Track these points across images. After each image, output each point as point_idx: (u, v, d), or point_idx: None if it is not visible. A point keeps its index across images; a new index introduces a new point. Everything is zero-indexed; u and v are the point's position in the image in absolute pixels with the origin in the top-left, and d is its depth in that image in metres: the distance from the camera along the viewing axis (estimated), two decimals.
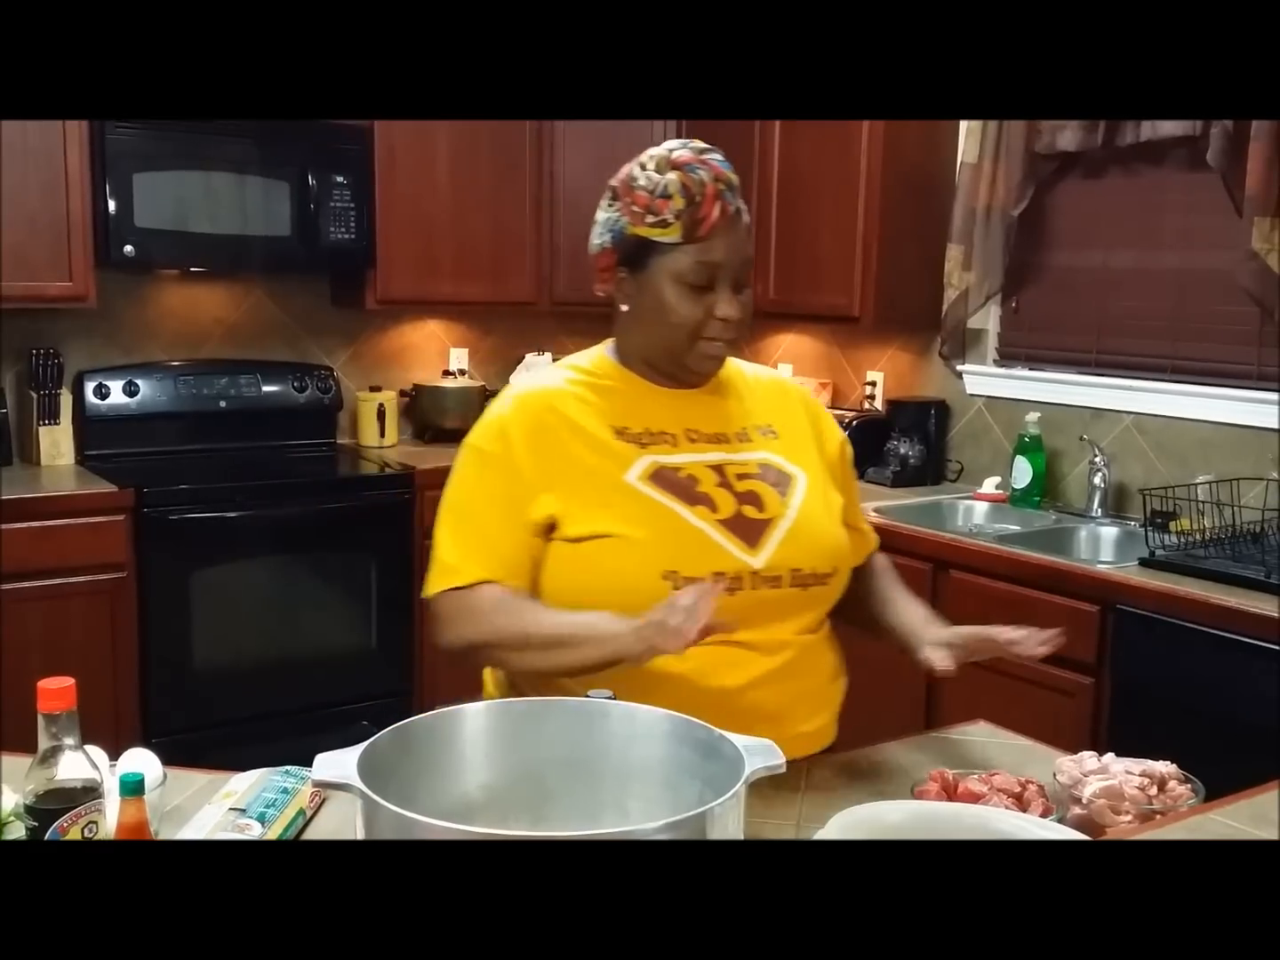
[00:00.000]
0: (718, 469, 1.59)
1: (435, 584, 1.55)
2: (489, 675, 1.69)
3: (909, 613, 1.65)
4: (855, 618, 1.72)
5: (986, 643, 1.51)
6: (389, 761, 1.08)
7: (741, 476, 1.60)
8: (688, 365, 1.59)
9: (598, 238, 1.59)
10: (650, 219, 1.52)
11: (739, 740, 1.10)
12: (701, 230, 1.51)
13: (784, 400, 1.72)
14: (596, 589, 1.51)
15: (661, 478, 1.56)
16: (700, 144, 1.56)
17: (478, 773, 1.19)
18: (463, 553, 1.54)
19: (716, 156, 1.55)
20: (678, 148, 1.54)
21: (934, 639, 1.54)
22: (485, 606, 1.51)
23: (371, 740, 1.07)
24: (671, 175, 1.51)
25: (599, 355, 1.66)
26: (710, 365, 1.60)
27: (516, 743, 1.20)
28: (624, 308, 1.60)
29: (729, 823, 1.00)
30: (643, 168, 1.54)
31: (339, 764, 1.02)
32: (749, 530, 1.55)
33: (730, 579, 1.51)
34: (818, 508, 1.63)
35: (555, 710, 1.23)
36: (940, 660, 1.49)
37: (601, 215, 1.59)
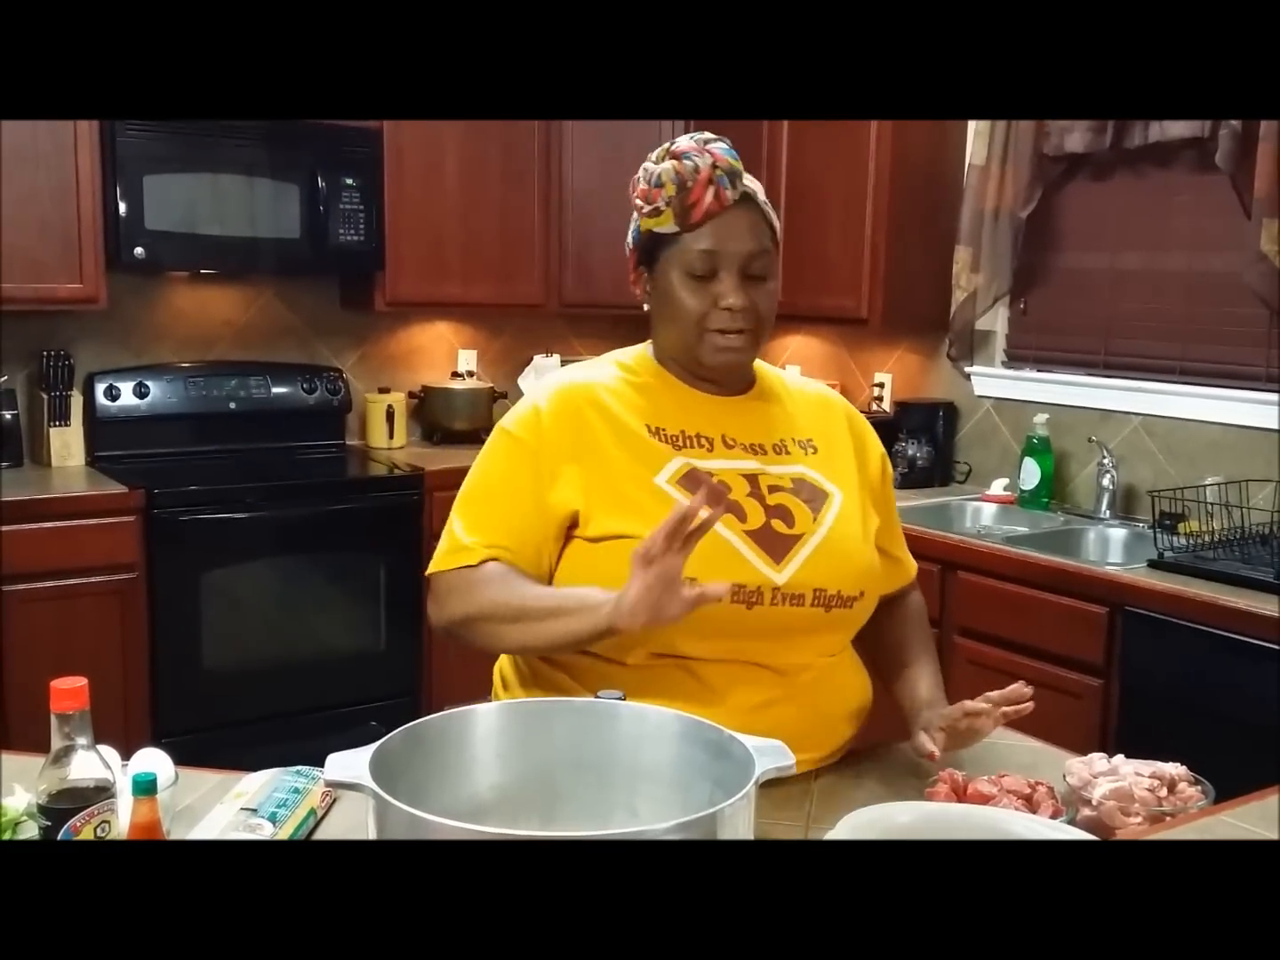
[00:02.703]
0: (751, 479, 1.56)
1: (444, 562, 1.54)
2: (499, 676, 1.69)
3: (918, 686, 1.63)
4: (870, 657, 1.70)
5: (967, 728, 1.49)
6: (400, 762, 1.08)
7: (774, 489, 1.56)
8: (701, 360, 1.56)
9: (628, 240, 1.60)
10: (647, 209, 1.52)
11: (749, 741, 1.10)
12: (694, 216, 1.49)
13: (827, 415, 1.68)
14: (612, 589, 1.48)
15: (691, 481, 1.53)
16: (708, 135, 1.54)
17: (488, 773, 1.19)
18: (478, 533, 1.53)
19: (721, 145, 1.52)
20: (684, 139, 1.54)
21: (925, 723, 1.53)
22: (484, 580, 1.50)
23: (383, 740, 1.07)
24: (667, 164, 1.51)
25: (641, 352, 1.65)
26: (723, 359, 1.55)
27: (527, 743, 1.21)
28: (646, 307, 1.60)
29: (739, 823, 1.00)
30: (648, 160, 1.55)
31: (351, 764, 1.03)
32: (775, 544, 1.52)
33: (749, 592, 1.48)
34: (851, 528, 1.59)
35: (566, 711, 1.24)
36: (927, 748, 1.48)
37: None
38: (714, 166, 1.49)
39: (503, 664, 1.69)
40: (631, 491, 1.52)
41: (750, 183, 1.54)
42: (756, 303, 1.52)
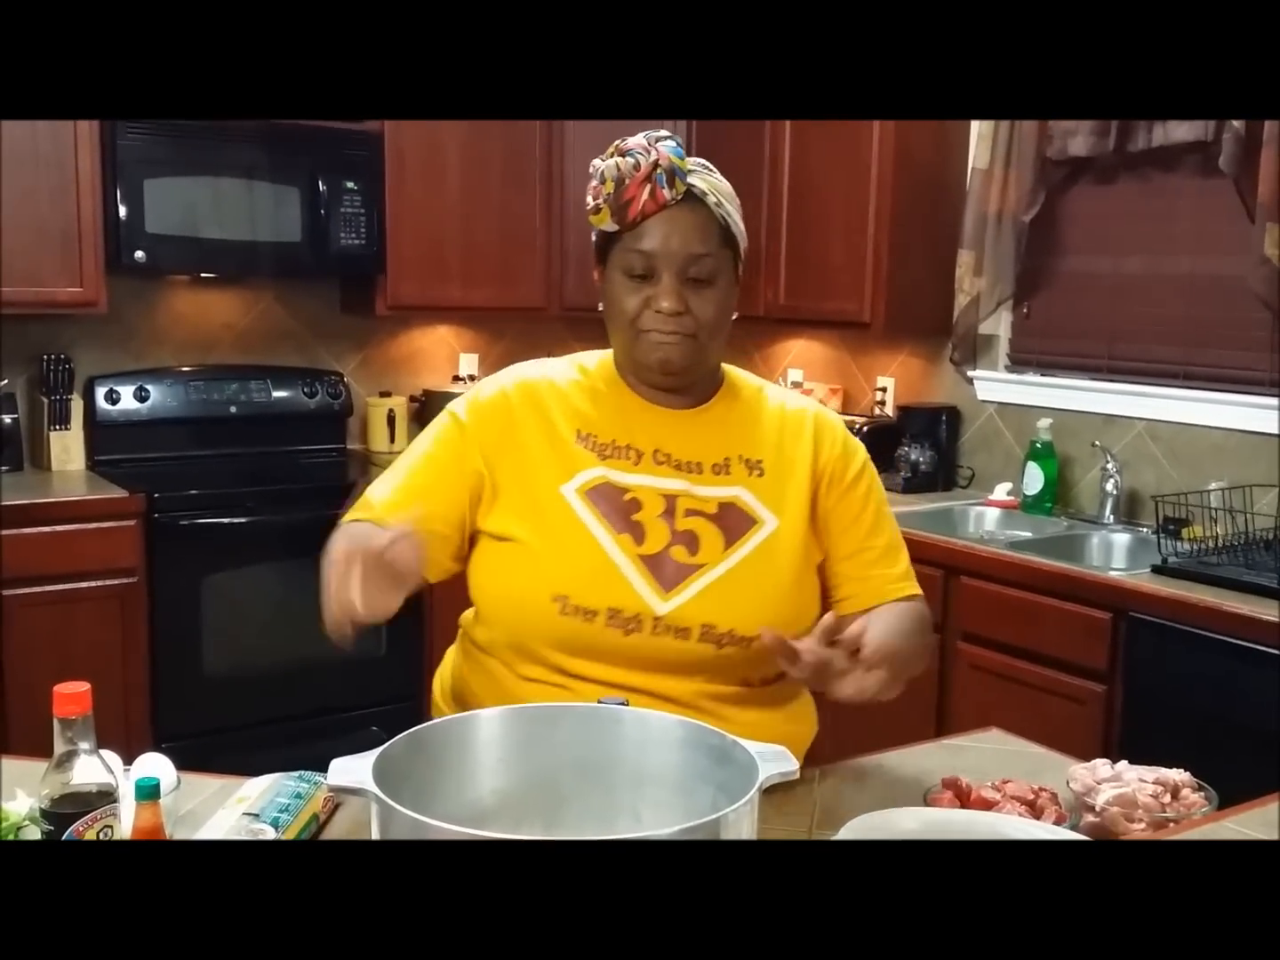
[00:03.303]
0: (670, 499, 1.49)
1: (346, 516, 1.53)
2: (437, 687, 1.70)
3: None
4: None
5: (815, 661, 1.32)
6: (403, 767, 1.08)
7: (692, 513, 1.49)
8: (637, 359, 1.49)
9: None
10: (590, 206, 1.47)
11: (752, 747, 1.10)
12: (629, 214, 1.44)
13: (795, 434, 1.57)
14: (491, 593, 1.52)
15: (600, 494, 1.48)
16: (662, 133, 1.48)
17: (491, 778, 1.19)
18: (381, 495, 1.52)
19: (669, 143, 1.46)
20: (637, 136, 1.48)
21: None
22: (341, 535, 1.42)
23: (386, 746, 1.07)
24: (612, 161, 1.46)
25: (605, 357, 1.59)
26: (658, 355, 1.47)
27: (530, 748, 1.20)
28: (600, 307, 1.54)
29: (743, 828, 1.00)
30: (600, 156, 1.49)
31: (354, 769, 1.02)
32: (668, 572, 1.46)
33: (627, 618, 1.44)
34: (772, 564, 1.50)
35: (569, 716, 1.23)
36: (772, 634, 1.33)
37: None
38: (655, 165, 1.43)
39: (442, 673, 1.69)
40: (537, 494, 1.49)
41: (702, 183, 1.47)
42: (694, 308, 1.45)
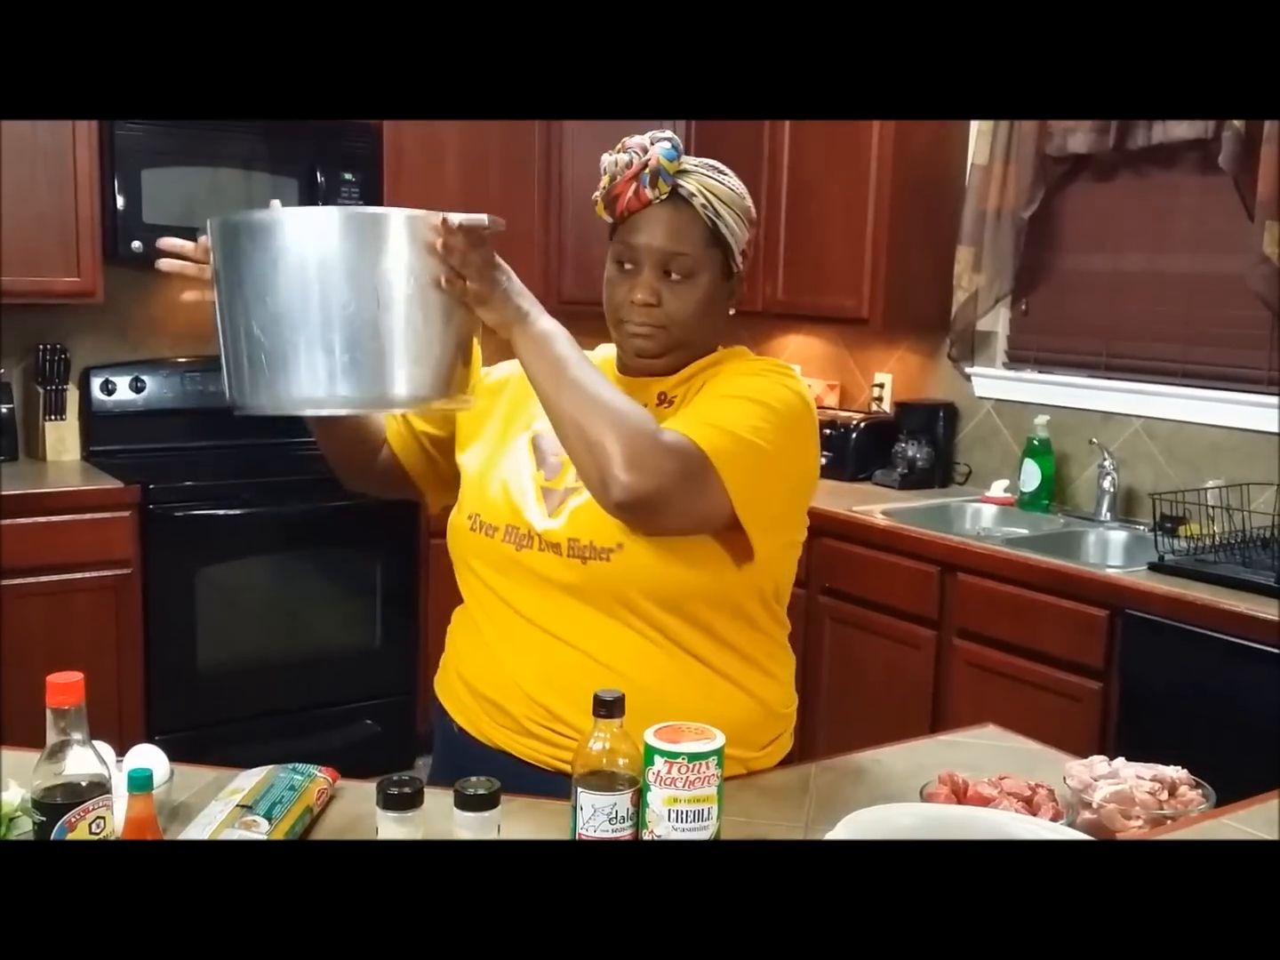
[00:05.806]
0: None
1: None
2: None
3: None
4: None
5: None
6: None
7: None
8: (620, 346, 1.59)
9: None
10: (594, 197, 1.57)
11: None
12: (616, 209, 1.54)
13: (713, 370, 1.59)
14: (450, 518, 1.66)
15: (542, 438, 1.59)
16: (662, 134, 1.53)
17: None
18: None
19: (662, 145, 1.51)
20: (642, 136, 1.54)
21: None
22: None
23: None
24: (613, 157, 1.54)
25: (613, 352, 1.64)
26: (633, 345, 1.56)
27: None
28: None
29: None
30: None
31: None
32: (557, 497, 1.55)
33: (521, 535, 1.55)
34: None
35: None
36: None
37: None
38: (645, 165, 1.50)
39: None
40: (497, 433, 1.64)
41: (694, 184, 1.52)
42: (667, 301, 1.53)
